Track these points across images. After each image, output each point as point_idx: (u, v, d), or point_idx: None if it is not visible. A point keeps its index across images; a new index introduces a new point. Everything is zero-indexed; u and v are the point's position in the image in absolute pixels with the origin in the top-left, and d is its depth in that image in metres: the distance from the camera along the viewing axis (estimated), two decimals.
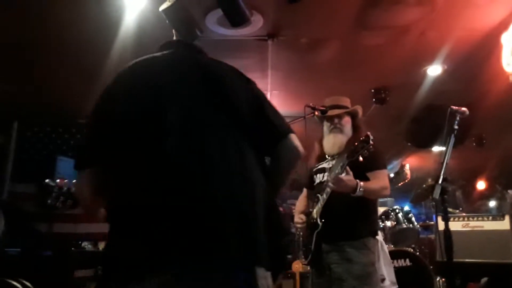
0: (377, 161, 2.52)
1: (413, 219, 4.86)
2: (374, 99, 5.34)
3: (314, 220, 2.57)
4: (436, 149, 6.67)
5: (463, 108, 2.19)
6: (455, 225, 3.39)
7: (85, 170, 1.36)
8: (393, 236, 4.66)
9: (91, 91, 2.05)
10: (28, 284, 3.36)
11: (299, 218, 2.74)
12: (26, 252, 4.09)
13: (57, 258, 4.13)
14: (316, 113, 2.75)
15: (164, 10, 1.75)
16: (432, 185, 2.00)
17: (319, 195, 2.59)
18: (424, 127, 5.66)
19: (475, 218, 3.43)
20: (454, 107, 2.19)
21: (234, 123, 1.35)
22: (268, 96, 5.69)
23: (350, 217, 2.52)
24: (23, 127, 5.80)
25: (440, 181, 1.98)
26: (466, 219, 3.45)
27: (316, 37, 4.24)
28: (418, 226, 4.95)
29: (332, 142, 2.72)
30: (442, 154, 2.10)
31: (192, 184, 1.22)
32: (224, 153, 1.29)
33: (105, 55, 4.17)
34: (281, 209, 4.65)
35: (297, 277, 4.43)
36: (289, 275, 4.45)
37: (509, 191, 7.47)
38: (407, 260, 4.14)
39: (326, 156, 2.76)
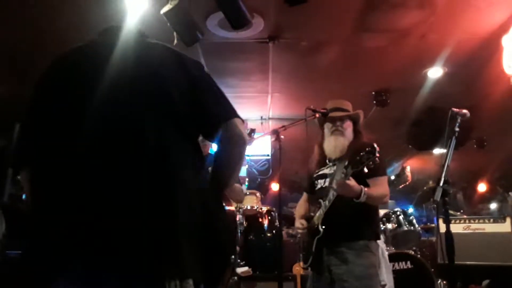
0: (378, 168, 2.51)
1: (414, 221, 4.85)
2: (375, 102, 5.34)
3: (316, 226, 2.57)
4: (437, 151, 6.67)
5: (464, 110, 2.19)
6: (457, 228, 3.39)
7: (21, 172, 1.28)
8: (394, 238, 4.65)
9: None
10: None
11: (300, 223, 2.73)
12: None
13: None
14: (317, 115, 2.74)
15: (166, 13, 1.76)
16: (433, 188, 2.00)
17: (321, 200, 2.58)
18: (425, 130, 5.67)
19: (477, 221, 3.43)
20: (455, 109, 2.19)
21: (164, 114, 1.22)
22: (269, 99, 5.70)
23: (353, 219, 2.51)
24: None
25: (441, 184, 1.97)
26: (467, 221, 3.45)
27: (317, 40, 4.25)
28: (419, 228, 4.94)
29: (333, 144, 2.70)
30: (443, 157, 2.09)
31: (93, 197, 1.10)
32: (140, 155, 1.16)
33: None
34: (230, 208, 4.49)
35: (298, 279, 4.42)
36: (290, 277, 4.44)
37: (510, 193, 7.47)
38: (408, 262, 4.13)
39: (327, 160, 2.75)
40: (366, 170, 2.33)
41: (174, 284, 1.08)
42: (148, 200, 1.11)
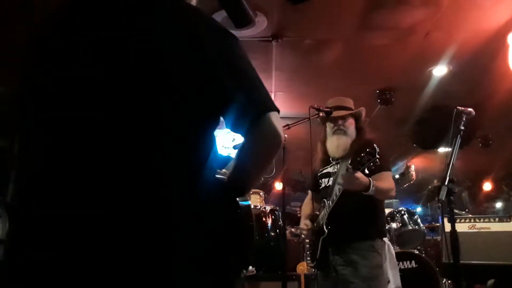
0: (382, 163, 2.51)
1: (419, 220, 4.84)
2: (379, 100, 5.32)
3: (320, 227, 2.56)
4: (442, 150, 6.64)
5: (469, 109, 2.18)
6: (462, 227, 3.37)
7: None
8: (398, 237, 4.64)
9: None
10: None
11: (304, 224, 2.73)
12: None
13: None
14: (321, 114, 2.73)
15: None
16: (438, 187, 1.99)
17: (325, 200, 2.58)
18: (430, 128, 5.64)
19: (482, 220, 3.41)
20: (460, 108, 2.18)
21: (166, 96, 0.94)
22: (272, 98, 5.68)
23: (359, 218, 2.51)
24: None
25: (446, 183, 1.96)
26: (472, 220, 3.43)
27: (321, 38, 4.23)
28: (424, 227, 4.92)
29: (336, 144, 2.71)
30: (448, 155, 2.08)
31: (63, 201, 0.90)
32: (125, 154, 0.91)
33: None
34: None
35: (302, 279, 4.41)
36: (293, 277, 4.43)
37: None
38: (413, 262, 4.12)
39: (330, 159, 2.75)
40: (367, 171, 2.34)
41: None
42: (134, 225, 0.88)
